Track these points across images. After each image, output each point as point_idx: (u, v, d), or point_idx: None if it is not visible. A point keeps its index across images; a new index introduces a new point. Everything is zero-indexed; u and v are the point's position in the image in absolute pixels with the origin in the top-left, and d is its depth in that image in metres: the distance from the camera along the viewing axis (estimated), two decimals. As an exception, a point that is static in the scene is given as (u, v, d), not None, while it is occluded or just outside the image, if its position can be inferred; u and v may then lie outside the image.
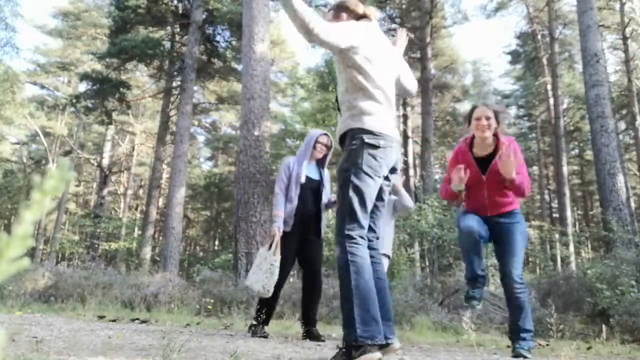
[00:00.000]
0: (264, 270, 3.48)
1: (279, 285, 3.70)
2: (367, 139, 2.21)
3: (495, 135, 2.97)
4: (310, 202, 3.77)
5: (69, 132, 23.58)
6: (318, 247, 3.81)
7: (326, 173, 3.93)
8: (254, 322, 3.68)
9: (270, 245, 3.60)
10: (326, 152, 3.90)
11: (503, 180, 2.89)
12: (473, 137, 3.04)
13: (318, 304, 3.87)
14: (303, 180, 3.74)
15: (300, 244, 3.76)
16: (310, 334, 3.66)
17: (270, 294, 3.55)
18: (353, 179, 2.19)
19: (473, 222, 2.94)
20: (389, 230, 3.95)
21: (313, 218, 3.78)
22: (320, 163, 3.92)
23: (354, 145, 2.22)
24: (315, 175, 3.85)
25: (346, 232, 2.16)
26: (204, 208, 27.30)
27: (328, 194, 3.92)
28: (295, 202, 3.70)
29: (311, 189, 3.78)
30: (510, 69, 25.03)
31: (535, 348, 3.72)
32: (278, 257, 3.54)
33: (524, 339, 2.89)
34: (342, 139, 2.34)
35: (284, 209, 3.71)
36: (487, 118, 2.90)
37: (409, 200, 3.85)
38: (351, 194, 2.17)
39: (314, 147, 3.84)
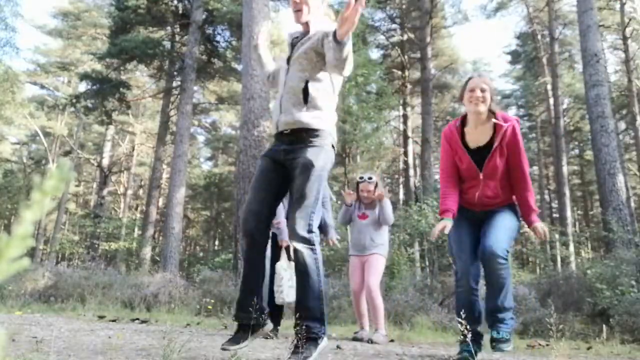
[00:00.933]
0: (290, 283, 3.47)
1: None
2: (333, 145, 2.32)
3: (493, 113, 2.57)
4: None
5: (69, 132, 23.57)
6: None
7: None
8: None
9: (289, 257, 3.58)
10: None
11: (500, 178, 2.58)
12: (464, 119, 2.66)
13: None
14: None
15: None
16: None
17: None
18: (323, 179, 2.23)
19: (467, 264, 2.58)
20: (384, 233, 3.97)
21: None
22: None
23: (328, 147, 2.26)
24: None
25: (314, 230, 2.17)
26: (204, 208, 27.30)
27: (326, 194, 3.89)
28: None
29: None
30: (510, 69, 25.04)
31: (535, 348, 3.72)
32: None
33: (503, 321, 2.49)
34: (297, 130, 2.25)
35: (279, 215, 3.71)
36: (482, 90, 2.53)
37: (389, 216, 3.89)
38: (319, 193, 2.19)
39: None
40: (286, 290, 3.50)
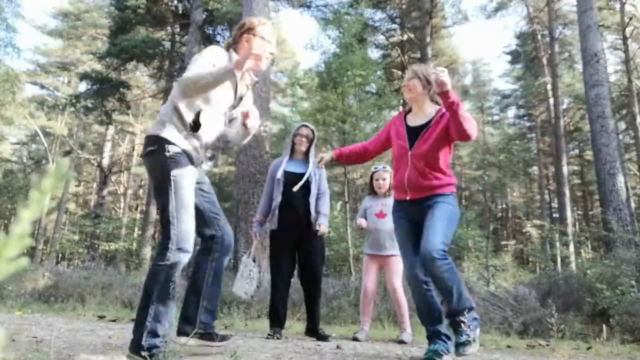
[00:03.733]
0: (245, 276, 3.49)
1: (280, 285, 3.68)
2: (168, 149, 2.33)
3: (437, 103, 2.65)
4: (297, 196, 3.68)
5: (69, 132, 23.58)
6: (316, 244, 3.75)
7: (323, 170, 3.83)
8: (270, 327, 3.69)
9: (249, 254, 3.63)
10: (307, 143, 3.86)
11: (430, 158, 2.53)
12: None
13: (319, 303, 3.87)
14: (279, 175, 3.73)
15: (297, 242, 3.73)
16: (316, 334, 3.65)
17: (249, 298, 3.58)
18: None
19: (413, 263, 2.54)
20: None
21: (302, 212, 3.70)
22: (305, 156, 3.88)
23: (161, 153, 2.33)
24: (300, 170, 3.78)
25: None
26: (204, 208, 27.25)
27: (321, 188, 3.82)
28: (279, 199, 3.68)
29: (291, 183, 3.70)
30: (510, 69, 25.04)
31: (535, 348, 3.72)
32: (256, 263, 3.55)
33: (463, 323, 2.35)
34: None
35: (270, 208, 3.73)
36: (409, 78, 2.67)
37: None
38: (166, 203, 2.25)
39: (293, 141, 3.85)
40: (235, 282, 3.53)
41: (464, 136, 2.45)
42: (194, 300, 2.33)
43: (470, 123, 2.43)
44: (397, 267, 3.91)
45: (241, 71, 2.09)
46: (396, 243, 3.96)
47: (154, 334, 1.97)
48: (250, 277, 3.49)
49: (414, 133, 2.63)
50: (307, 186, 3.73)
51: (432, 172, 2.55)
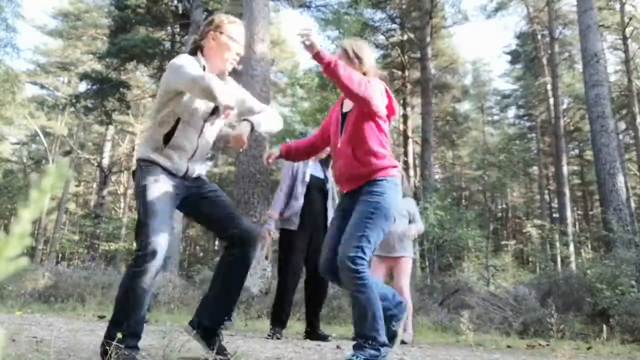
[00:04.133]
0: (259, 274, 3.49)
1: (290, 287, 3.69)
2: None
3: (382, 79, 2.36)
4: (317, 201, 3.75)
5: (69, 132, 23.57)
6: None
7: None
8: (270, 326, 3.69)
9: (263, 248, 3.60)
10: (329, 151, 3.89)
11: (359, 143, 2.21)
12: None
13: (322, 304, 3.87)
14: (308, 179, 3.73)
15: (309, 245, 3.73)
16: (316, 335, 3.64)
17: (263, 295, 3.57)
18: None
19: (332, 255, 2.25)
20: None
21: (320, 217, 3.75)
22: (324, 162, 3.90)
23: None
24: (319, 174, 3.83)
25: None
26: (204, 208, 27.26)
27: (334, 194, 3.90)
28: (301, 200, 3.68)
29: (317, 188, 3.76)
30: (510, 69, 25.02)
31: (536, 348, 3.72)
32: (268, 260, 3.55)
33: (360, 347, 2.05)
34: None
35: (290, 208, 3.69)
36: (336, 55, 2.37)
37: (419, 225, 4.06)
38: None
39: None
40: (248, 278, 3.48)
41: (353, 97, 2.11)
42: (218, 299, 2.31)
43: (352, 80, 2.05)
44: (408, 269, 3.97)
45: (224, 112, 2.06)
46: (406, 244, 3.97)
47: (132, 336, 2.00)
48: (264, 274, 3.49)
49: (344, 119, 2.33)
50: (323, 191, 3.79)
51: (363, 157, 2.21)
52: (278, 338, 3.50)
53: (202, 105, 2.23)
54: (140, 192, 2.09)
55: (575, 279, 6.77)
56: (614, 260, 6.28)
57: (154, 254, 2.00)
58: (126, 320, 2.00)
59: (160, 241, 2.02)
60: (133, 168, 2.22)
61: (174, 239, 12.34)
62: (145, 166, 2.15)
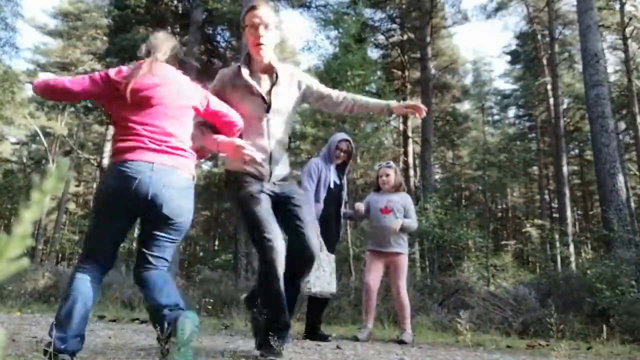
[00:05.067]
0: (330, 273, 3.43)
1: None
2: None
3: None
4: (332, 206, 3.74)
5: (69, 132, 23.56)
6: (333, 250, 3.76)
7: (345, 180, 3.93)
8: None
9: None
10: (345, 158, 3.87)
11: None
12: None
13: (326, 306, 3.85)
14: (332, 185, 3.72)
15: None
16: (316, 335, 3.63)
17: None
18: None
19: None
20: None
21: (334, 222, 3.75)
22: (339, 168, 3.89)
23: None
24: (337, 180, 3.83)
25: None
26: (203, 208, 27.26)
27: (345, 200, 3.92)
28: (321, 205, 3.66)
29: (333, 194, 3.75)
30: (510, 69, 25.01)
31: (536, 348, 3.72)
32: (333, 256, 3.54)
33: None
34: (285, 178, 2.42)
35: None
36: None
37: (413, 221, 4.01)
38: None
39: (334, 152, 3.82)
40: (315, 280, 3.45)
41: None
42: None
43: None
44: (404, 267, 3.94)
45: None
46: (401, 240, 3.95)
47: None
48: (332, 272, 3.46)
49: None
50: (338, 197, 3.81)
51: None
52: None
53: (250, 107, 2.30)
54: (244, 208, 2.24)
55: (575, 279, 6.77)
56: (614, 260, 6.29)
57: (279, 253, 2.16)
58: (277, 318, 2.15)
59: (279, 244, 2.17)
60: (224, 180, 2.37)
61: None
62: (236, 178, 2.28)
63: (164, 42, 2.15)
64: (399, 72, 19.04)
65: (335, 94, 2.48)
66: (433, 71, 18.34)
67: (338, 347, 3.06)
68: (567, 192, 16.34)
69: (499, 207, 28.11)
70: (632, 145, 19.23)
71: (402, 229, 3.86)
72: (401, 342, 3.68)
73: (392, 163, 4.07)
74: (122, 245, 2.15)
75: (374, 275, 3.92)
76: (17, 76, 17.46)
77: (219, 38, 15.96)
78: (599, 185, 9.48)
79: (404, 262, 3.92)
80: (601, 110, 9.51)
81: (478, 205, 21.20)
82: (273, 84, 2.35)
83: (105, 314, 5.37)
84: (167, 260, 2.08)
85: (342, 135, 3.98)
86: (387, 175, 3.97)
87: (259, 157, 2.19)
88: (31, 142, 26.61)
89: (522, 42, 21.83)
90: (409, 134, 18.81)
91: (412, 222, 3.96)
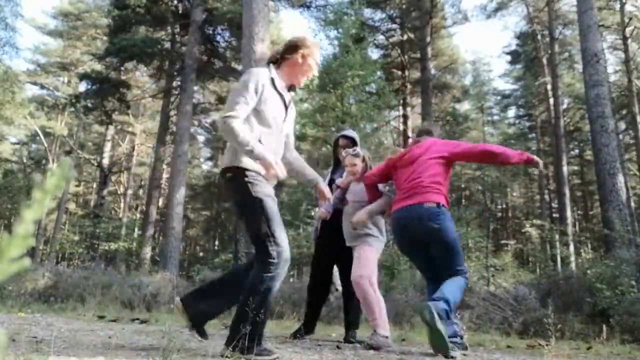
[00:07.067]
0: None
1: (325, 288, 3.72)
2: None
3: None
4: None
5: (69, 132, 23.57)
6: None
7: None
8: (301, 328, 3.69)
9: None
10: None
11: None
12: None
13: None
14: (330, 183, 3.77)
15: (339, 255, 3.66)
16: (354, 338, 3.55)
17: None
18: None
19: None
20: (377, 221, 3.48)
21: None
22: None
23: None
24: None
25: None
26: (204, 208, 27.29)
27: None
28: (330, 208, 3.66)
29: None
30: (510, 69, 25.02)
31: (536, 348, 3.72)
32: None
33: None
34: None
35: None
36: None
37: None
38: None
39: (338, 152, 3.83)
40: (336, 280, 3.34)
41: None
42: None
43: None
44: (362, 256, 3.39)
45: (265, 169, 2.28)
46: (362, 232, 3.51)
47: (250, 338, 2.16)
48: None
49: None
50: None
51: None
52: (298, 338, 3.55)
53: (278, 114, 2.43)
54: (259, 204, 2.27)
55: (575, 279, 6.77)
56: (614, 260, 6.29)
57: (286, 261, 2.25)
58: (247, 322, 2.16)
59: (287, 249, 2.28)
60: (230, 175, 2.34)
61: (174, 239, 12.34)
62: (252, 177, 2.31)
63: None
64: (399, 72, 19.05)
65: (290, 149, 2.65)
66: (433, 71, 18.35)
67: (338, 347, 3.06)
68: (567, 192, 16.35)
69: (499, 207, 28.11)
70: (632, 145, 19.24)
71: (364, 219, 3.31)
72: (369, 346, 3.02)
73: (359, 150, 3.51)
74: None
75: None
76: (17, 76, 17.47)
77: (219, 38, 15.97)
78: (599, 185, 9.48)
79: (362, 252, 3.33)
80: (601, 110, 9.52)
81: (478, 205, 21.21)
82: (288, 102, 2.55)
83: (105, 314, 5.37)
84: None
85: (343, 134, 3.93)
86: (354, 165, 3.44)
87: (285, 173, 2.31)
88: (31, 142, 26.62)
89: (522, 42, 21.84)
90: (409, 134, 18.80)
91: (374, 206, 3.37)
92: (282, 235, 2.27)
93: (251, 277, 2.25)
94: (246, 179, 2.29)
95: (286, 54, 2.50)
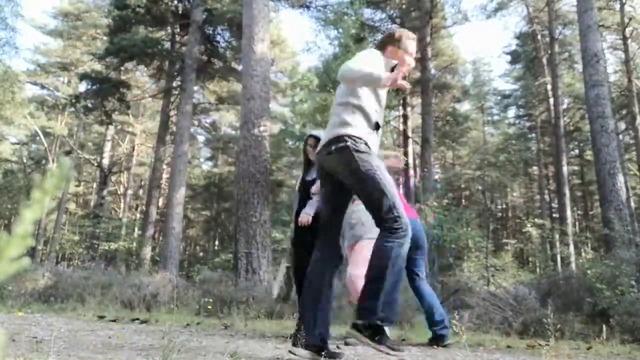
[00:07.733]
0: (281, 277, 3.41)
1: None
2: None
3: None
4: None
5: (69, 132, 23.57)
6: None
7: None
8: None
9: None
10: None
11: None
12: None
13: None
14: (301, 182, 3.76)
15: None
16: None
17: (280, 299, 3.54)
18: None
19: None
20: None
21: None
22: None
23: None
24: (308, 178, 3.73)
25: None
26: (204, 208, 27.28)
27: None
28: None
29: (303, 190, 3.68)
30: (510, 69, 25.01)
31: (535, 348, 3.72)
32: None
33: None
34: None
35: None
36: None
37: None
38: None
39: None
40: None
41: None
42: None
43: None
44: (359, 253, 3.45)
45: (386, 87, 2.30)
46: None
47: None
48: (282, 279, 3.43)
49: None
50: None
51: None
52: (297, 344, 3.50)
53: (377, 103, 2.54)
54: (374, 171, 2.28)
55: (575, 279, 6.77)
56: (614, 260, 6.28)
57: (408, 228, 2.24)
58: (381, 292, 2.14)
59: (407, 217, 2.29)
60: (343, 144, 2.34)
61: (174, 239, 12.34)
62: (366, 146, 2.36)
63: None
64: (399, 72, 18.99)
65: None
66: (433, 71, 18.34)
67: (338, 347, 3.06)
68: (567, 192, 16.34)
69: (499, 207, 28.11)
70: (632, 145, 19.23)
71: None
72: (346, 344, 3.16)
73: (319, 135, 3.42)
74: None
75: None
76: (17, 76, 17.46)
77: (219, 38, 15.97)
78: (599, 185, 9.48)
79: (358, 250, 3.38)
80: (601, 110, 9.52)
81: (478, 205, 21.21)
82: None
83: (105, 314, 5.37)
84: None
85: (309, 132, 3.77)
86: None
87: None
88: (31, 142, 26.61)
89: (522, 42, 21.83)
90: (409, 134, 18.80)
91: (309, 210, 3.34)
92: (401, 204, 2.31)
93: (378, 249, 2.22)
94: (362, 147, 2.32)
95: (382, 45, 2.66)
